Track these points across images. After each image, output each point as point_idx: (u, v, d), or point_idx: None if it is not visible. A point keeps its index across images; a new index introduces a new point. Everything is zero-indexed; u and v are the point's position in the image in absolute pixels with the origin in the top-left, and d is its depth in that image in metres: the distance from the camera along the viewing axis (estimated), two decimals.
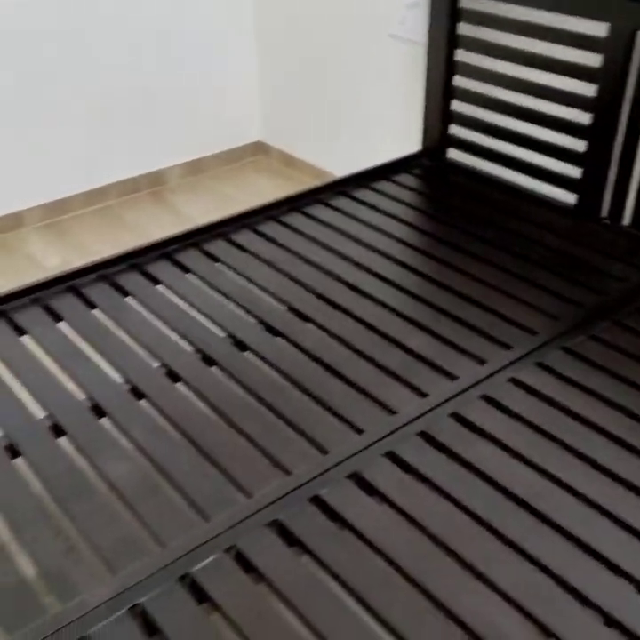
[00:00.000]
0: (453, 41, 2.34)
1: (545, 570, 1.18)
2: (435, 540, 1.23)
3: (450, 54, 2.37)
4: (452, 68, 2.38)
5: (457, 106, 2.45)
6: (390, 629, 1.10)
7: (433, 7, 2.32)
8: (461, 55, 2.36)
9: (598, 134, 2.07)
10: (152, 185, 3.30)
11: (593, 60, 2.04)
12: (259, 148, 3.57)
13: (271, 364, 1.65)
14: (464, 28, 2.32)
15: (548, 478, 1.35)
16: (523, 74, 2.20)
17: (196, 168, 3.41)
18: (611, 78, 1.99)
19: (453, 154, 2.54)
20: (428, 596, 1.14)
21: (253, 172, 3.48)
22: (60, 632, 1.10)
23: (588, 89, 2.08)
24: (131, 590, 1.15)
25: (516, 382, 1.57)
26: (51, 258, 2.84)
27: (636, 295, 1.84)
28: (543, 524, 1.26)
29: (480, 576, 1.18)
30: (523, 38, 2.17)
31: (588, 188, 2.15)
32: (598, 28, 2.00)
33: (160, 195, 3.28)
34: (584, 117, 2.11)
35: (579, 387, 1.55)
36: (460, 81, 2.39)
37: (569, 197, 2.24)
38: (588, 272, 1.95)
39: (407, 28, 2.61)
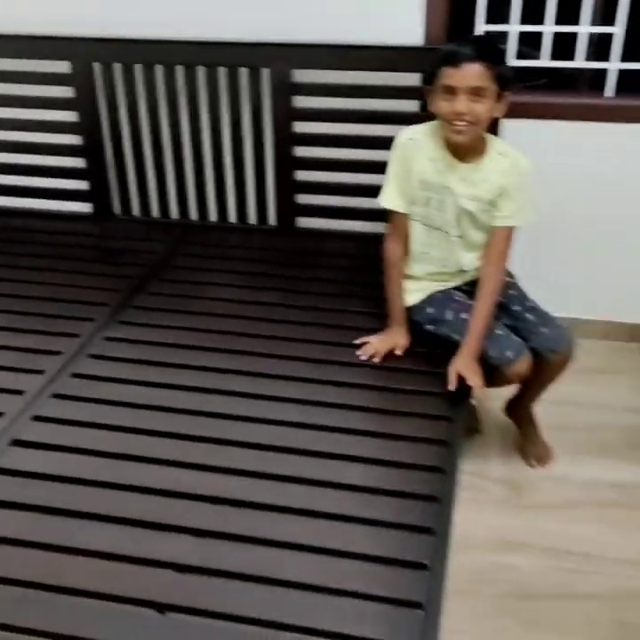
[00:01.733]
0: None
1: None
2: None
3: None
4: None
5: None
6: None
7: None
8: None
9: (91, 152, 2.53)
10: None
11: (67, 92, 2.46)
12: None
13: None
14: None
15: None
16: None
17: None
18: (86, 106, 2.45)
19: None
20: None
21: None
22: None
23: (72, 116, 2.50)
24: None
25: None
26: None
27: (163, 265, 2.36)
28: None
29: None
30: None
31: (96, 194, 2.60)
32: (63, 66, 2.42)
33: None
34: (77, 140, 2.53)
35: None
36: None
37: (85, 207, 2.65)
38: (120, 256, 2.41)
39: None
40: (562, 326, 1.96)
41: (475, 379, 1.79)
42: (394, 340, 1.93)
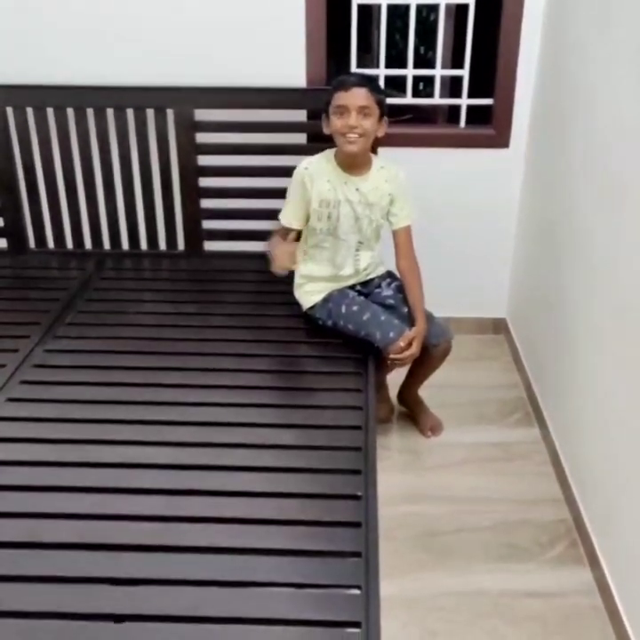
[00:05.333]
0: None
1: None
2: None
3: None
4: None
5: None
6: None
7: None
8: None
9: (5, 191, 2.72)
10: None
11: None
12: None
13: None
14: None
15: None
16: None
17: None
18: (0, 147, 2.65)
19: None
20: None
21: None
22: None
23: None
24: None
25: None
26: None
27: (85, 288, 2.57)
28: None
29: None
30: None
31: (12, 230, 2.79)
32: None
33: None
34: None
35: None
36: None
37: (1, 243, 2.83)
38: (42, 283, 2.61)
39: None
40: (442, 324, 2.36)
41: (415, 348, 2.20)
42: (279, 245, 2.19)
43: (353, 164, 2.22)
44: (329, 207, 2.23)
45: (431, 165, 2.81)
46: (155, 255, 2.83)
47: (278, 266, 2.17)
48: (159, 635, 1.33)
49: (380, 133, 2.20)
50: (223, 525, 1.56)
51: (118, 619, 1.35)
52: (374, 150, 2.34)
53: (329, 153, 2.26)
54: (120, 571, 1.44)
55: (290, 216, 2.28)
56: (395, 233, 2.33)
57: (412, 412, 2.58)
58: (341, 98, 2.10)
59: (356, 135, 2.12)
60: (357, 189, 2.23)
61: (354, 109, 2.10)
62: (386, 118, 2.19)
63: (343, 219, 2.24)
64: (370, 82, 2.14)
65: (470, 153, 2.81)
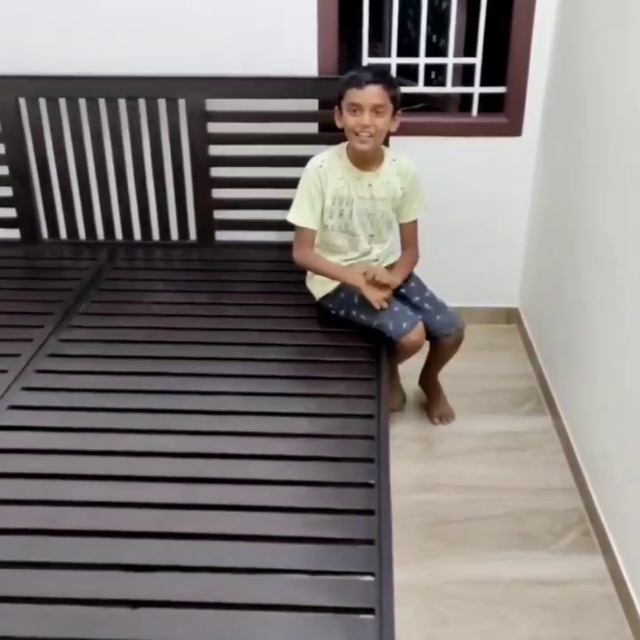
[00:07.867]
0: None
1: None
2: None
3: None
4: None
5: None
6: None
7: None
8: None
9: (18, 181, 2.73)
10: None
11: None
12: None
13: None
14: None
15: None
16: None
17: None
18: (14, 138, 2.66)
19: None
20: None
21: None
22: None
23: None
24: None
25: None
26: None
27: (98, 278, 2.59)
28: None
29: None
30: None
31: (24, 220, 2.79)
32: None
33: None
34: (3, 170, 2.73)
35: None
36: None
37: (13, 233, 2.83)
38: (56, 273, 2.63)
39: None
40: (453, 313, 2.36)
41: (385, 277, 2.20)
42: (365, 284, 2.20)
43: (364, 160, 2.22)
44: (342, 204, 2.23)
45: (443, 154, 2.80)
46: (167, 245, 2.83)
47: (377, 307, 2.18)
48: (174, 620, 1.34)
49: (393, 128, 2.19)
50: (236, 513, 1.57)
51: (134, 604, 1.37)
52: (386, 142, 2.33)
53: (340, 148, 2.25)
54: (135, 557, 1.45)
55: (309, 217, 2.23)
56: (401, 226, 2.35)
57: (429, 397, 2.58)
58: (355, 95, 2.08)
59: (368, 134, 2.11)
60: (370, 185, 2.23)
61: (367, 108, 2.08)
62: (399, 112, 2.18)
63: (356, 215, 2.25)
64: (384, 77, 2.11)
65: (483, 141, 2.80)
